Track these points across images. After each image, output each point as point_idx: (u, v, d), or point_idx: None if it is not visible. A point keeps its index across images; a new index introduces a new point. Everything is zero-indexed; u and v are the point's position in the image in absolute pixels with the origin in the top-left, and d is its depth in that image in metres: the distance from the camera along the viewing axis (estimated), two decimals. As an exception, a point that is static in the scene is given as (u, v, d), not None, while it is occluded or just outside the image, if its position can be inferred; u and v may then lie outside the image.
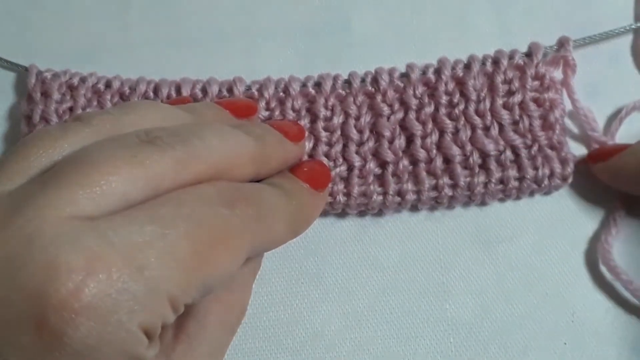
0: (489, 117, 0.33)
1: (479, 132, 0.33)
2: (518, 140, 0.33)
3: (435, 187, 0.32)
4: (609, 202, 0.33)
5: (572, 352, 0.32)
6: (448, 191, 0.32)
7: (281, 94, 0.34)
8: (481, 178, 0.32)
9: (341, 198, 0.32)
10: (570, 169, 0.32)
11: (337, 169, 0.33)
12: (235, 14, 0.37)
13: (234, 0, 0.37)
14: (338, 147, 0.33)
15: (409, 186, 0.32)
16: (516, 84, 0.33)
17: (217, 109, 0.28)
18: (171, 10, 0.37)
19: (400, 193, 0.32)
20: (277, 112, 0.33)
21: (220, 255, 0.22)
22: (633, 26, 0.35)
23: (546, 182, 0.32)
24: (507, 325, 0.32)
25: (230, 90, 0.33)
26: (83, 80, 0.34)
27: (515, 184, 0.32)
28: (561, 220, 0.33)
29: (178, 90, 0.34)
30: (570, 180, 0.33)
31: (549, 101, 0.33)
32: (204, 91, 0.33)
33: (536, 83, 0.33)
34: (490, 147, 0.32)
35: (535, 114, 0.33)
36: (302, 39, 0.36)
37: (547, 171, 0.32)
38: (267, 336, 0.32)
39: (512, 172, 0.32)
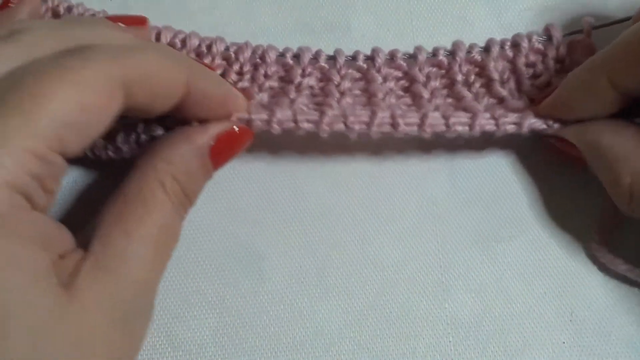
0: (516, 93, 0.33)
1: (509, 99, 0.32)
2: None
3: (438, 108, 0.31)
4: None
5: (570, 352, 0.32)
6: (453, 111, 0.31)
7: (257, 59, 0.33)
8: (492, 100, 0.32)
9: (333, 110, 0.31)
10: None
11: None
12: (235, 14, 0.37)
13: (234, 0, 0.37)
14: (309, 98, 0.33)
15: (404, 111, 0.31)
16: (540, 66, 0.33)
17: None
18: (171, 11, 0.37)
19: (392, 115, 0.30)
20: (247, 76, 0.33)
21: (58, 87, 0.23)
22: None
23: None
24: (506, 324, 0.32)
25: (209, 48, 0.33)
26: (69, 9, 0.34)
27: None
28: (560, 219, 0.33)
29: (157, 37, 0.34)
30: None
31: None
32: (183, 42, 0.34)
33: (558, 65, 0.33)
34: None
35: None
36: (302, 39, 0.36)
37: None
38: (267, 334, 0.32)
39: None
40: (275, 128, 0.31)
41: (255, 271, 0.33)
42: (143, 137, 0.31)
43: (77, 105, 0.23)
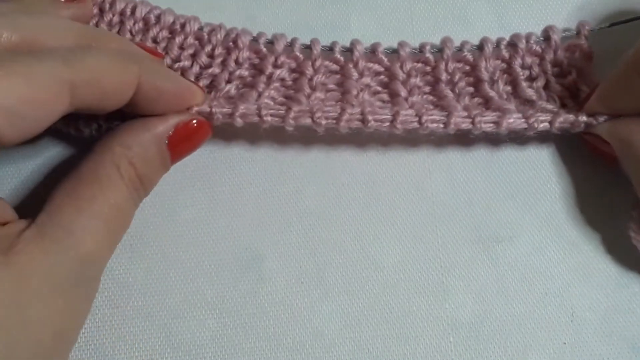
0: (504, 94, 0.32)
1: (496, 99, 0.32)
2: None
3: (413, 105, 0.31)
4: (608, 200, 0.33)
5: (571, 352, 0.32)
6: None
7: (230, 43, 0.33)
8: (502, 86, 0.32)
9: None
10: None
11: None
12: (235, 13, 0.37)
13: (234, 0, 0.37)
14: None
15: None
16: (536, 69, 0.33)
17: None
18: (171, 10, 0.37)
19: (362, 112, 0.31)
20: (218, 60, 0.33)
21: (6, 77, 0.23)
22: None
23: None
24: (507, 325, 0.32)
25: (183, 26, 0.33)
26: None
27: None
28: (560, 220, 0.33)
29: (133, 11, 0.33)
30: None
31: (574, 83, 0.32)
32: (158, 19, 0.34)
33: (556, 69, 0.33)
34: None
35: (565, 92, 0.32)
36: (302, 39, 0.36)
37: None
38: (267, 335, 0.32)
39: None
40: (238, 121, 0.31)
41: (255, 272, 0.33)
42: (104, 126, 0.32)
43: (21, 98, 0.24)
